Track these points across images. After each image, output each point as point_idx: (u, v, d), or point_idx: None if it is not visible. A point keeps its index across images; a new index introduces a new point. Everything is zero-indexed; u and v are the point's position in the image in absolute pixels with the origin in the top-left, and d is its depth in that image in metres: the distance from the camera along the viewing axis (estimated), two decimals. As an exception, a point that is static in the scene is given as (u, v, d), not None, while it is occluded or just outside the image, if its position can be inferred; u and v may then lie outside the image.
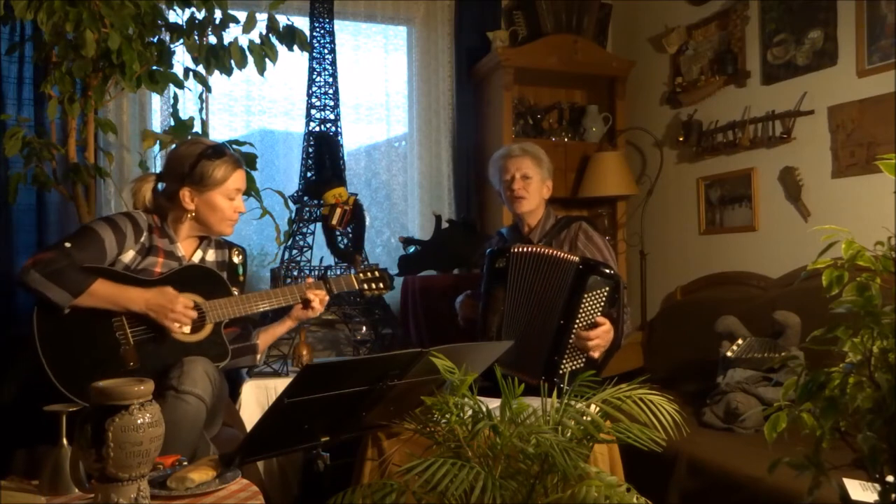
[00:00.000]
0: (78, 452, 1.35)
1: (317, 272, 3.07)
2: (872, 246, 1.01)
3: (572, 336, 2.21)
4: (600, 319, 2.21)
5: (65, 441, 1.50)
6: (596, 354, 2.22)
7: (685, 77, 3.65)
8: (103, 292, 1.87)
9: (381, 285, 2.33)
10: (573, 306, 2.21)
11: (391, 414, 1.55)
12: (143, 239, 2.02)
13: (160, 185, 2.13)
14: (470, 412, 1.27)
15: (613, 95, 3.87)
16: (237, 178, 2.07)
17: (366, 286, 2.30)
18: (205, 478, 1.48)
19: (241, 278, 2.22)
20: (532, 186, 2.51)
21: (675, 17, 3.71)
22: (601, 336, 2.21)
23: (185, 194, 2.03)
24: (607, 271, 2.23)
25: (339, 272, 3.04)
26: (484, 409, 1.25)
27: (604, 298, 2.22)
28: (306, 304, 2.17)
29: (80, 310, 1.86)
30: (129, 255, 1.99)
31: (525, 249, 2.33)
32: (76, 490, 1.47)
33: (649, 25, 3.90)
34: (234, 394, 2.70)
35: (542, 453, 1.16)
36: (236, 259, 2.22)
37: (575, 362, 2.23)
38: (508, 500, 1.15)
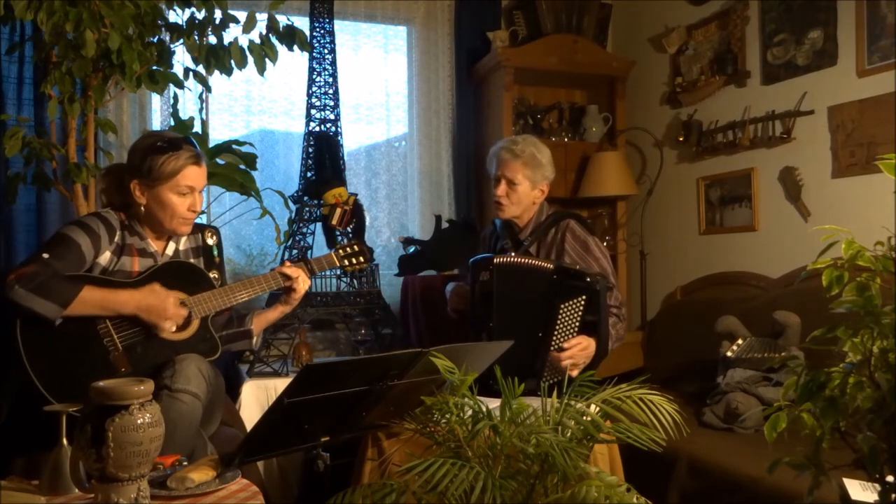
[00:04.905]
0: (78, 452, 1.35)
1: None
2: (872, 246, 1.01)
3: (551, 350, 2.16)
4: (575, 340, 2.15)
5: (65, 441, 1.50)
6: (574, 373, 2.12)
7: (685, 77, 3.65)
8: (92, 299, 1.82)
9: (362, 259, 2.29)
10: (551, 317, 2.16)
11: (391, 414, 1.55)
12: (116, 238, 1.97)
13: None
14: (470, 412, 1.27)
15: (613, 95, 3.87)
16: (190, 175, 1.97)
17: (346, 262, 2.27)
18: (205, 478, 1.48)
19: (218, 259, 2.19)
20: (515, 195, 2.39)
21: (675, 17, 3.71)
22: (575, 356, 2.15)
23: (135, 187, 1.97)
24: (583, 280, 2.15)
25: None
26: (484, 409, 1.25)
27: (581, 307, 2.16)
28: (288, 288, 2.13)
29: (64, 321, 1.82)
30: (105, 257, 1.95)
31: (506, 260, 2.28)
32: (76, 490, 1.47)
33: (649, 25, 3.90)
34: (234, 394, 2.70)
35: (542, 453, 1.16)
36: (210, 240, 2.18)
37: (555, 377, 2.17)
38: (508, 500, 1.15)
